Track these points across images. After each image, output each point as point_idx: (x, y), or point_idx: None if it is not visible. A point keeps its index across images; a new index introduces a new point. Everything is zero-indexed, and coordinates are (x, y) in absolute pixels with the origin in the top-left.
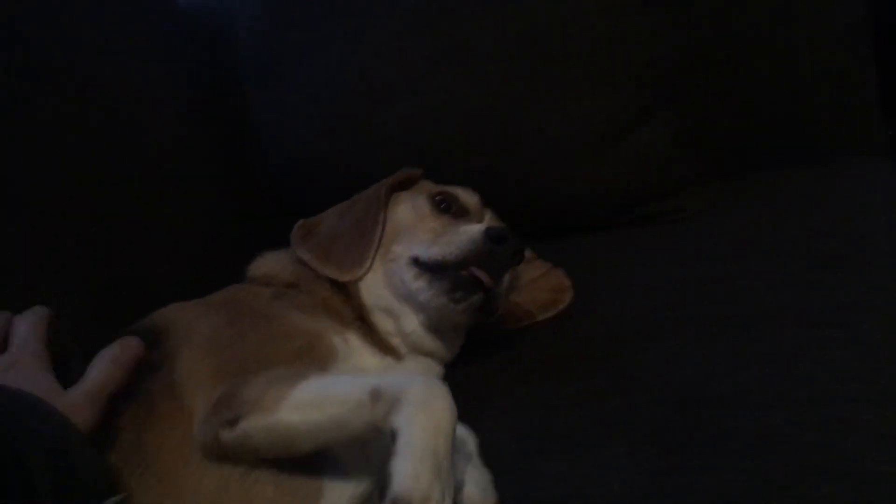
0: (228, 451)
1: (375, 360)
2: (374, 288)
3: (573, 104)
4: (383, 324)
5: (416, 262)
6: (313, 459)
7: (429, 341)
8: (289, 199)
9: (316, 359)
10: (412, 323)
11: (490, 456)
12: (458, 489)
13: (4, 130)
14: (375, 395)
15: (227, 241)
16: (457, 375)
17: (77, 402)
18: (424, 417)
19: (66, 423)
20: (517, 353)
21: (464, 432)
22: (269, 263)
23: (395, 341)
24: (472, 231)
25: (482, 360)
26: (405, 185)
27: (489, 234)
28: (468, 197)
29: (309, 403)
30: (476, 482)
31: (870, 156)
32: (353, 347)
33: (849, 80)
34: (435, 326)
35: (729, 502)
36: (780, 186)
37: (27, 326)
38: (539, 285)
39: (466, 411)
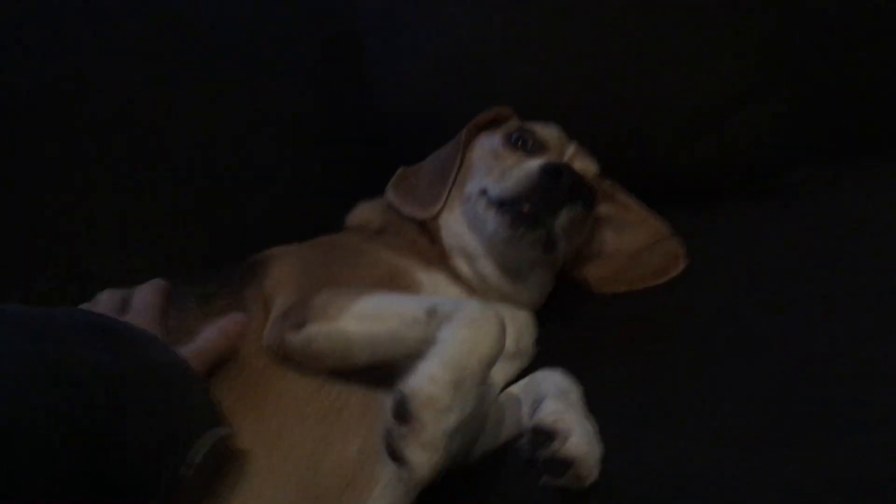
0: (293, 355)
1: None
2: (453, 227)
3: (694, 71)
4: (462, 267)
5: (485, 193)
6: None
7: (506, 283)
8: (400, 152)
9: (398, 289)
10: (487, 264)
11: (596, 416)
12: (564, 438)
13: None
14: (431, 313)
15: (334, 191)
16: (564, 334)
17: (186, 357)
18: (466, 333)
19: (178, 357)
20: (628, 317)
21: (567, 382)
22: (363, 211)
23: (476, 284)
24: (529, 166)
25: (591, 321)
26: (494, 124)
27: (545, 168)
28: (547, 131)
29: (369, 315)
30: (582, 431)
31: None
32: (439, 286)
33: None
34: (509, 266)
35: (853, 477)
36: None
37: (145, 296)
38: (651, 249)
39: (573, 370)
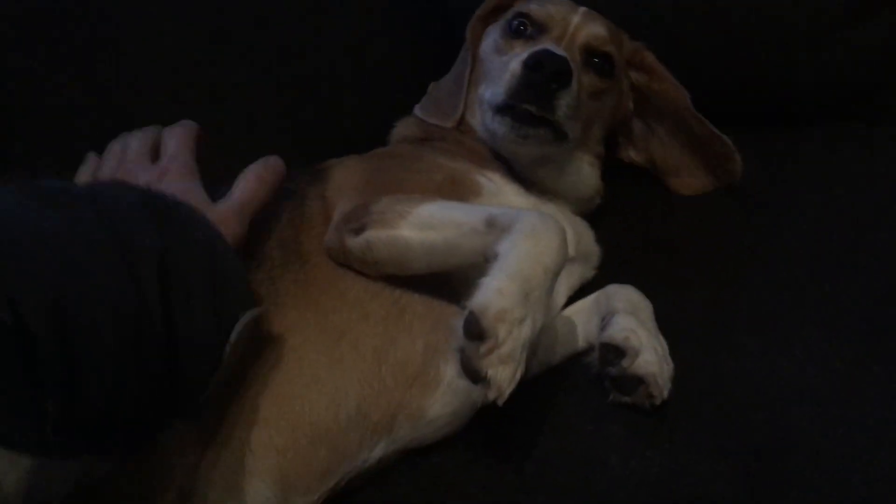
0: (351, 259)
1: (521, 198)
2: (480, 130)
3: None
4: (502, 165)
5: (483, 101)
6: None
7: (543, 177)
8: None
9: (460, 193)
10: (515, 162)
11: (673, 325)
12: (634, 355)
13: None
14: (490, 223)
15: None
16: (644, 246)
17: (225, 216)
18: (528, 245)
19: (218, 233)
20: (708, 233)
21: (639, 297)
22: (402, 128)
23: (520, 180)
24: (513, 63)
25: (669, 230)
26: (500, 10)
27: (526, 63)
28: (544, 10)
29: (427, 223)
30: (652, 349)
31: None
32: (499, 185)
33: None
34: (534, 162)
35: None
36: None
37: (177, 139)
38: (703, 154)
39: (653, 283)
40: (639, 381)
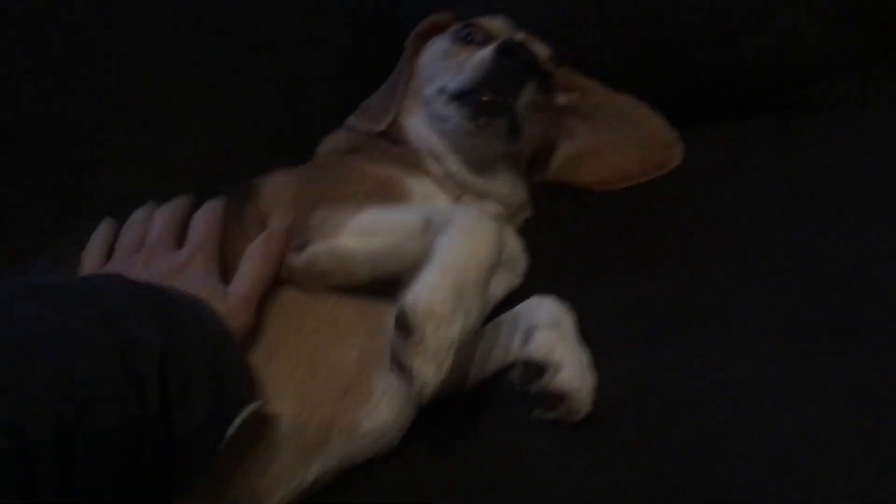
0: (296, 276)
1: (452, 202)
2: (418, 130)
3: None
4: (434, 168)
5: (443, 91)
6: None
7: (476, 179)
8: None
9: (391, 199)
10: (455, 161)
11: (605, 327)
12: (555, 370)
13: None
14: (426, 223)
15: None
16: (570, 240)
17: (235, 308)
18: (462, 241)
19: (223, 329)
20: (644, 232)
21: (561, 310)
22: (328, 141)
23: (449, 184)
24: (483, 52)
25: (597, 234)
26: (438, 30)
27: (498, 48)
28: (492, 22)
29: (367, 230)
30: (574, 363)
31: None
32: (429, 189)
33: None
34: (475, 160)
35: (885, 392)
36: None
37: (205, 225)
38: (639, 137)
39: (579, 284)
40: (561, 396)
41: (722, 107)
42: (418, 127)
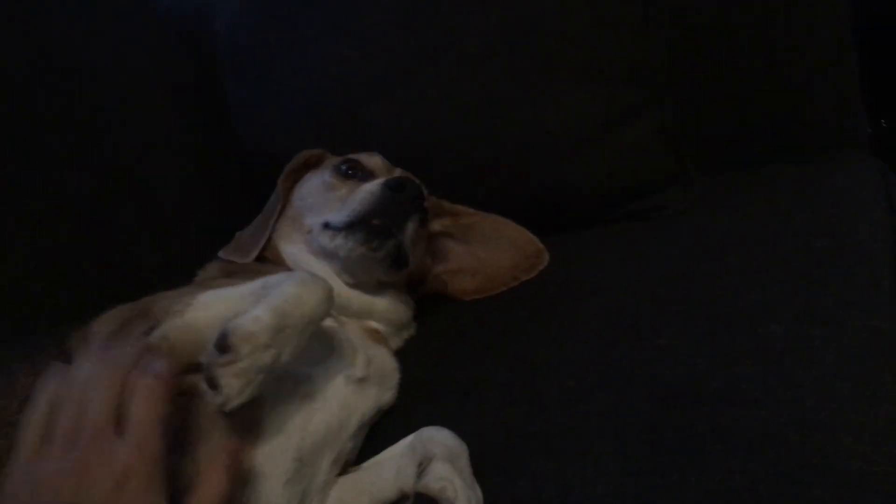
0: None
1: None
2: (298, 257)
3: (562, 99)
4: None
5: (328, 226)
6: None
7: (361, 300)
8: (269, 191)
9: None
10: (337, 284)
11: (474, 453)
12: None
13: None
14: (265, 286)
15: (204, 236)
16: (442, 367)
17: None
18: (293, 290)
19: None
20: (505, 350)
21: (457, 443)
22: (202, 272)
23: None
24: (370, 185)
25: (469, 353)
26: (310, 165)
27: (387, 184)
28: (371, 159)
29: (213, 301)
30: (466, 499)
31: (856, 151)
32: None
33: (835, 75)
34: (361, 284)
35: (716, 503)
36: (767, 183)
37: (142, 406)
38: (510, 248)
39: (451, 405)
40: None
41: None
42: (298, 253)
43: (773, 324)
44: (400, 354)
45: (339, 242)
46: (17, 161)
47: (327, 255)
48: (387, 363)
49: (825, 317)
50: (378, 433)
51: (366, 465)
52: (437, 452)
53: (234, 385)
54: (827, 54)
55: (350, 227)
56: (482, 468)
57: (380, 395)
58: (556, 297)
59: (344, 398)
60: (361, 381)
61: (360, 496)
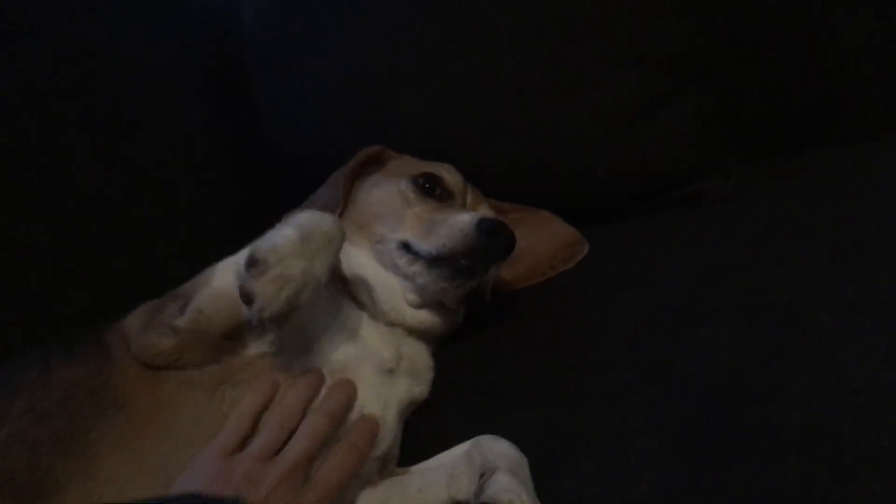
0: (184, 338)
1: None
2: (364, 264)
3: (594, 86)
4: (363, 296)
5: (407, 248)
6: None
7: (418, 318)
8: (294, 188)
9: None
10: (398, 300)
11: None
12: None
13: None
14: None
15: (230, 233)
16: (480, 365)
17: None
18: (306, 216)
19: None
20: (542, 344)
21: (518, 454)
22: None
23: (378, 313)
24: (462, 223)
25: (506, 349)
26: (372, 163)
27: (482, 227)
28: (452, 177)
29: (235, 265)
30: None
31: None
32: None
33: (882, 54)
34: (430, 308)
35: (767, 502)
36: (810, 168)
37: (339, 469)
38: (551, 240)
39: (491, 405)
40: None
41: (604, 208)
42: (361, 258)
43: (821, 315)
44: (436, 350)
45: (418, 270)
46: (40, 161)
47: (400, 274)
48: (421, 358)
49: (875, 306)
50: (415, 430)
51: (415, 468)
52: (499, 464)
53: (267, 291)
54: (873, 31)
55: (436, 261)
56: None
57: (411, 387)
58: (593, 290)
59: (375, 388)
60: (391, 372)
61: (407, 499)
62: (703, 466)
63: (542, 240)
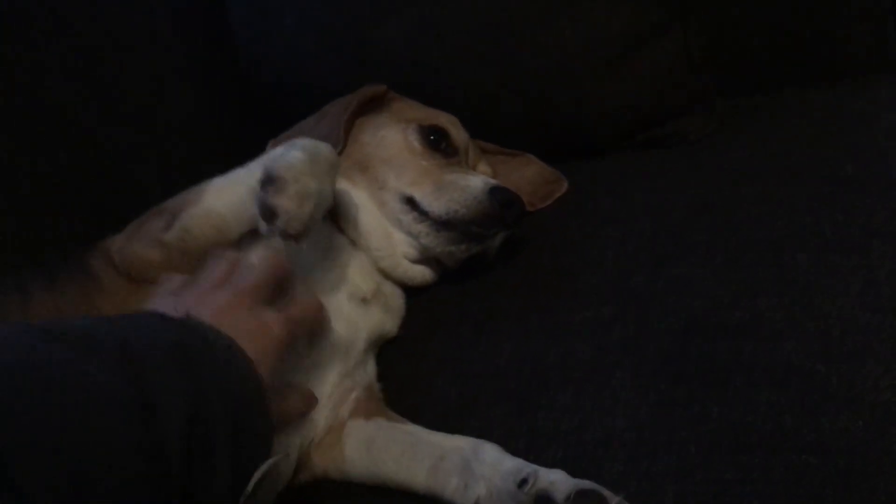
0: (171, 252)
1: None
2: (365, 207)
3: (582, 18)
4: (351, 233)
5: (413, 205)
6: None
7: (411, 271)
8: (274, 120)
9: None
10: (395, 249)
11: (490, 385)
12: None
13: None
14: (273, 158)
15: (206, 159)
16: (458, 297)
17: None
18: (305, 141)
19: (252, 381)
20: (522, 279)
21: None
22: None
23: (379, 256)
24: (476, 189)
25: (485, 282)
26: (373, 103)
27: (495, 196)
28: (458, 133)
29: (226, 185)
30: None
31: (887, 75)
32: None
33: None
34: (424, 260)
35: (739, 435)
36: (791, 107)
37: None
38: (531, 179)
39: (471, 336)
40: None
41: (587, 143)
42: (363, 199)
43: (797, 253)
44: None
45: (424, 230)
46: (16, 85)
47: (403, 229)
48: (396, 297)
49: (852, 246)
50: (394, 361)
51: (412, 429)
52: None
53: (290, 206)
54: None
55: (445, 224)
56: (498, 400)
57: (383, 320)
58: (572, 225)
59: (348, 314)
60: (364, 301)
61: (389, 452)
62: (679, 401)
63: (523, 178)
